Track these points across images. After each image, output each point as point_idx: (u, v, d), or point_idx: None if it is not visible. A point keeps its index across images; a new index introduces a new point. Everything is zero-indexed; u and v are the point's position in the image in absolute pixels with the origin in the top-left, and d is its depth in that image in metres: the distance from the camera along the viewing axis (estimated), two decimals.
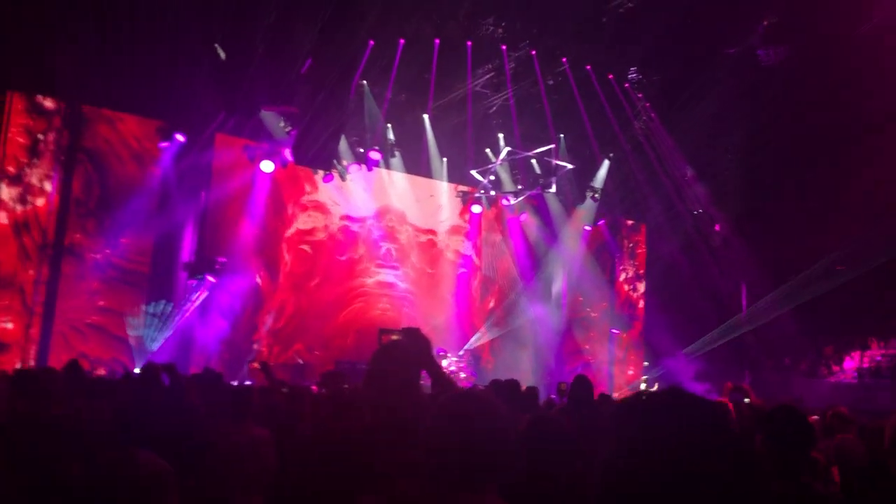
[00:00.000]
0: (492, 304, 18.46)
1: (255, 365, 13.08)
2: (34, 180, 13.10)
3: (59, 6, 11.89)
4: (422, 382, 2.52)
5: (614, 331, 19.29)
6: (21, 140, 13.01)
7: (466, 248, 18.39)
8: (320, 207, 16.78)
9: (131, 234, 13.70)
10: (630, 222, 20.46)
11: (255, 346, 15.22)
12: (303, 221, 16.58)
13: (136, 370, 12.45)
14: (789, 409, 3.38)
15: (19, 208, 12.94)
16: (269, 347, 15.41)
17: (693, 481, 1.05)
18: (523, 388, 6.66)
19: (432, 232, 18.09)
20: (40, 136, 13.18)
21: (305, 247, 16.45)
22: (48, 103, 13.27)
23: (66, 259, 13.28)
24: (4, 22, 11.48)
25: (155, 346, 13.56)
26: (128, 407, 3.89)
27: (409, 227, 17.83)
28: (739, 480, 1.06)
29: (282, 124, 14.82)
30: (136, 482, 1.73)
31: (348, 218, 17.03)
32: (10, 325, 12.61)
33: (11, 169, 12.86)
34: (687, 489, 1.05)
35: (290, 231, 16.38)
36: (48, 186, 13.24)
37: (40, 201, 13.14)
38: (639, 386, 18.50)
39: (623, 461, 1.11)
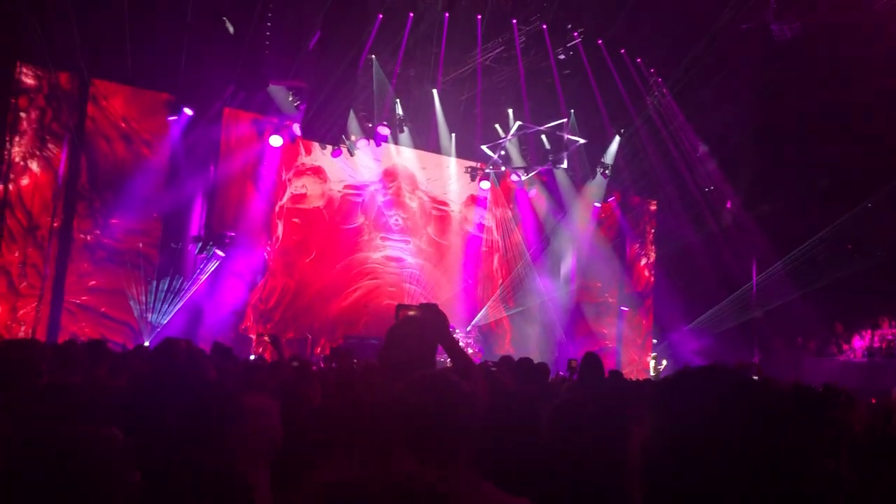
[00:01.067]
0: (501, 280, 18.42)
1: (266, 339, 13.14)
2: (17, 158, 12.74)
3: None
4: (438, 358, 2.51)
5: (624, 308, 19.27)
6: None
7: (484, 221, 18.19)
8: (318, 172, 16.18)
9: (123, 215, 13.50)
10: (653, 208, 20.22)
11: (243, 331, 14.69)
12: (298, 188, 15.91)
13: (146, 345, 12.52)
14: (800, 387, 3.38)
15: (0, 187, 12.54)
16: (257, 337, 14.75)
17: (741, 454, 1.09)
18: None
19: (444, 203, 17.78)
20: (22, 114, 12.80)
21: (296, 220, 15.83)
22: (29, 79, 12.86)
23: (55, 241, 13.10)
24: None
25: (163, 321, 13.60)
26: (146, 379, 3.90)
27: (422, 193, 17.45)
28: (786, 454, 1.10)
29: (291, 98, 14.76)
30: (103, 458, 1.72)
31: (351, 186, 16.49)
32: None
33: None
34: (734, 461, 1.09)
35: (284, 199, 15.74)
36: (34, 165, 12.94)
37: (25, 181, 12.84)
38: (649, 364, 18.53)
39: (671, 436, 1.14)
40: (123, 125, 13.86)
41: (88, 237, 13.43)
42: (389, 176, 17.08)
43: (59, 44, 12.19)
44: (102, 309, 13.42)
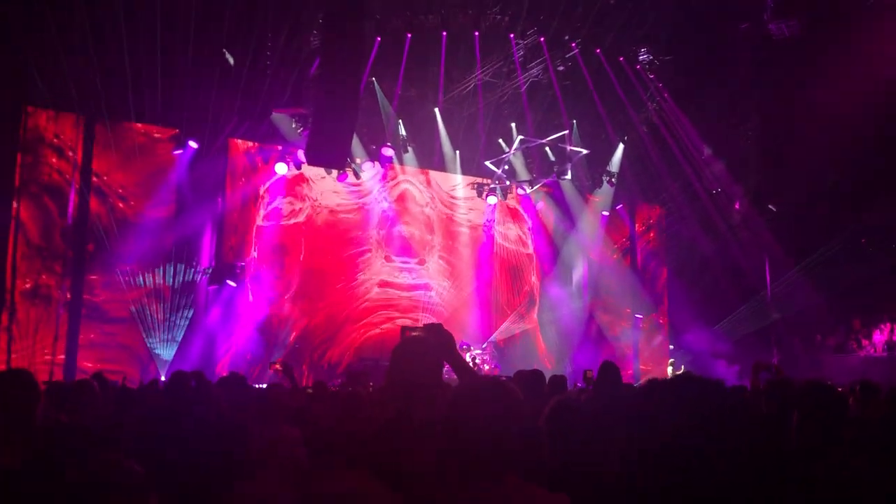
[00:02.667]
0: (529, 292, 18.32)
1: (277, 366, 13.09)
2: None
3: (66, 19, 11.87)
4: (446, 376, 2.52)
5: (638, 316, 19.14)
6: None
7: (496, 233, 18.10)
8: (302, 181, 15.54)
9: (102, 270, 13.31)
10: (662, 213, 20.11)
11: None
12: (279, 205, 15.15)
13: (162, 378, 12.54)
14: (819, 385, 3.33)
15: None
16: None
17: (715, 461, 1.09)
18: (548, 377, 6.63)
19: (452, 208, 17.60)
20: None
21: (279, 240, 15.06)
22: None
23: (30, 303, 12.72)
24: (14, 33, 11.43)
25: (170, 356, 13.58)
26: (159, 415, 3.91)
27: (434, 196, 17.19)
28: (759, 458, 1.10)
29: (294, 126, 14.86)
30: (125, 487, 1.75)
31: (347, 194, 15.97)
32: None
33: None
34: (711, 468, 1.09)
35: (261, 219, 14.98)
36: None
37: None
38: (667, 371, 18.37)
39: (644, 442, 1.15)
40: (95, 179, 13.54)
41: (68, 294, 13.10)
42: (392, 176, 16.68)
43: (59, 85, 12.22)
44: (83, 365, 12.93)
